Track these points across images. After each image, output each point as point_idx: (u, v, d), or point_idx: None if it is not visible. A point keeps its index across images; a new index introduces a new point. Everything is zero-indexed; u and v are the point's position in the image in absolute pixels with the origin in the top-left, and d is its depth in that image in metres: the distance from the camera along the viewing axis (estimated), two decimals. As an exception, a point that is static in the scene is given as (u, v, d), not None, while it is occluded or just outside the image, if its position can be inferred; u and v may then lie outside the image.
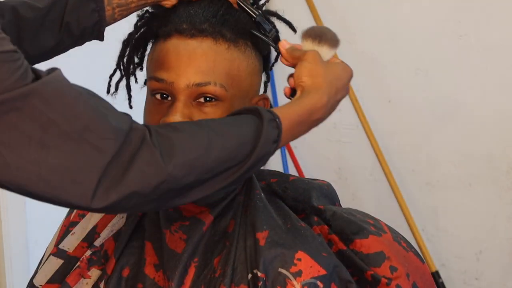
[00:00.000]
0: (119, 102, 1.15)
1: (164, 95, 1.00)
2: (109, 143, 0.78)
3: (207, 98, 0.99)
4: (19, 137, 0.75)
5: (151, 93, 1.02)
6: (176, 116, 0.97)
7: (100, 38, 1.06)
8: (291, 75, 1.01)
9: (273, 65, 1.15)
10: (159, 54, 1.01)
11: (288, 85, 1.02)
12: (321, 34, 1.02)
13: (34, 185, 0.77)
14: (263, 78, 1.12)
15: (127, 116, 0.83)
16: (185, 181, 0.83)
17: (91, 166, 0.77)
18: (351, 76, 1.02)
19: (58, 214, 1.30)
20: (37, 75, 0.77)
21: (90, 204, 0.78)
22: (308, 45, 1.02)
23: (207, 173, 0.84)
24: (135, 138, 0.80)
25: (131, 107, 1.13)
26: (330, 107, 0.98)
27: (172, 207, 0.91)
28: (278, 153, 2.93)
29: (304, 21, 2.59)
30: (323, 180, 1.18)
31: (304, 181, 1.16)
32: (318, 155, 2.92)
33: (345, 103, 2.76)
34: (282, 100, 2.91)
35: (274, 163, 2.96)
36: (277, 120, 0.89)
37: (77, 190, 0.77)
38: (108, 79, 1.15)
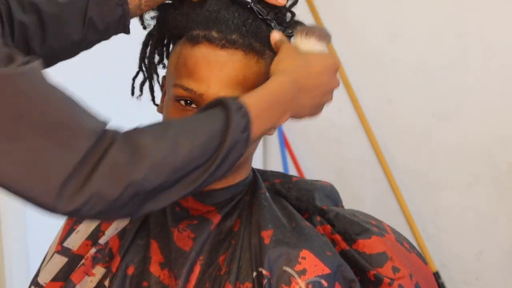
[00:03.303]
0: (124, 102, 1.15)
1: (188, 101, 0.99)
2: (81, 142, 0.75)
3: None
4: None
5: (175, 99, 1.00)
6: None
7: (126, 31, 1.04)
8: None
9: None
10: (187, 61, 0.99)
11: None
12: (309, 29, 1.01)
13: None
14: None
15: (102, 118, 0.80)
16: (154, 183, 0.80)
17: (59, 163, 0.74)
18: (332, 65, 0.98)
19: (58, 214, 1.29)
20: (15, 61, 0.75)
21: (54, 204, 0.75)
22: (297, 39, 1.01)
23: (177, 173, 0.82)
24: (106, 140, 0.78)
25: (156, 105, 1.12)
26: (301, 89, 0.94)
27: (145, 213, 0.86)
28: (278, 153, 2.94)
29: (304, 21, 2.59)
30: (325, 181, 1.19)
31: (307, 182, 1.16)
32: (318, 155, 2.92)
33: (345, 103, 2.76)
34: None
35: (274, 163, 2.96)
36: (243, 108, 0.86)
37: (42, 187, 0.74)
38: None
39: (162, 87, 1.11)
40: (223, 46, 0.98)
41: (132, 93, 1.14)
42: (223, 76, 0.97)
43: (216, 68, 0.97)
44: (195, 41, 0.99)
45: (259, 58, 1.00)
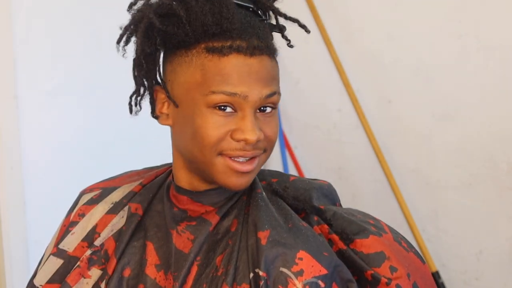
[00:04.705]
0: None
1: (223, 107, 1.01)
2: None
3: (262, 108, 1.03)
4: None
5: (212, 106, 1.00)
6: (256, 130, 1.00)
7: None
8: None
9: None
10: (220, 71, 1.00)
11: None
12: None
13: None
14: None
15: None
16: None
17: None
18: None
19: (58, 214, 1.30)
20: None
21: None
22: None
23: None
24: None
25: (155, 117, 1.10)
26: None
27: None
28: (278, 153, 2.94)
29: (304, 21, 2.59)
30: (323, 180, 1.18)
31: (305, 181, 1.16)
32: (318, 155, 2.92)
33: (345, 103, 2.76)
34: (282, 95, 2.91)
35: (274, 163, 2.96)
36: None
37: None
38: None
39: (154, 98, 1.08)
40: (252, 54, 1.00)
41: (130, 111, 1.12)
42: (261, 79, 1.01)
43: (252, 73, 1.00)
44: (222, 53, 1.00)
45: (275, 57, 1.05)
